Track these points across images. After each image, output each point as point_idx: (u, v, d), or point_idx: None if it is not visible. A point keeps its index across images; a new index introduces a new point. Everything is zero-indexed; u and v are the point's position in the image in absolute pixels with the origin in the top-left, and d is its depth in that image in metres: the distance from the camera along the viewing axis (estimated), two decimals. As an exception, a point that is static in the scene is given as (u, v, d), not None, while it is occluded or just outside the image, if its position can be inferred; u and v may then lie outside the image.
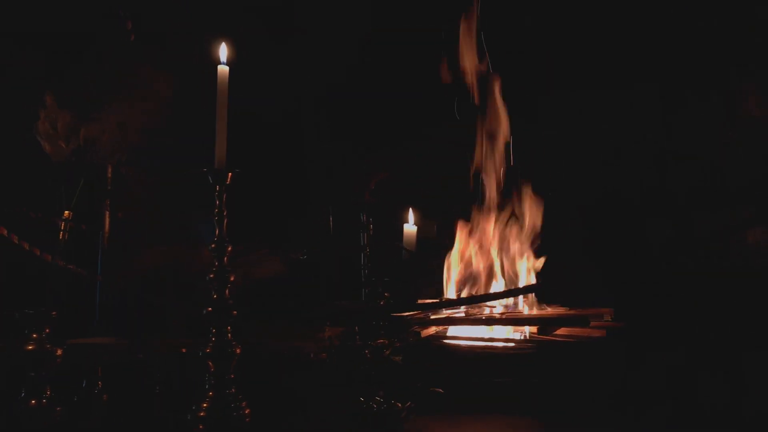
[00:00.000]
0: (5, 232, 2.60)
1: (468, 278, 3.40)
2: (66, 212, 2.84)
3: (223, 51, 2.19)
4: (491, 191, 3.47)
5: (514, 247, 3.36)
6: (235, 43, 2.21)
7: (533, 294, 3.19)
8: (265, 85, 3.42)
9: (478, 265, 3.38)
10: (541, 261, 3.31)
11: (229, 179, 2.16)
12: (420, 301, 3.14)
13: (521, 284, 3.31)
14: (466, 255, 3.40)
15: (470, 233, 3.44)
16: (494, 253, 3.38)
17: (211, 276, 2.15)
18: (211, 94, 2.16)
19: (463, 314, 3.06)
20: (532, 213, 3.37)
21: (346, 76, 3.77)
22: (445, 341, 2.86)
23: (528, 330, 2.95)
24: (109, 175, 3.41)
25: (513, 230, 3.39)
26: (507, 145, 3.46)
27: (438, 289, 3.41)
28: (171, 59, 3.33)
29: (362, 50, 3.76)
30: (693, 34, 3.51)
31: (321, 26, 3.72)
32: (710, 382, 2.59)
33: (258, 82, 2.85)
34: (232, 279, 2.16)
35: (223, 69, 2.18)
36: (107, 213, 3.36)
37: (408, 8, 3.69)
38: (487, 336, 2.90)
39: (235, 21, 3.36)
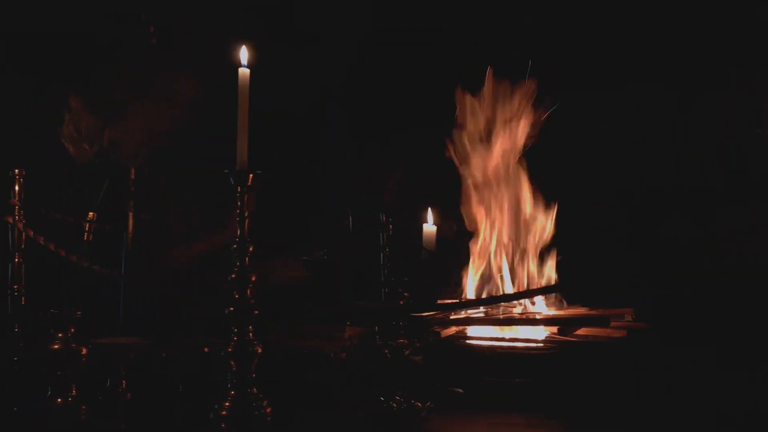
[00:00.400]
0: (31, 233, 2.65)
1: (487, 278, 3.40)
2: (90, 213, 2.88)
3: (244, 54, 2.20)
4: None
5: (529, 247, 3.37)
6: (248, 46, 2.23)
7: (554, 294, 3.19)
8: (272, 86, 3.44)
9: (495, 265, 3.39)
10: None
11: (250, 180, 2.17)
12: (439, 301, 3.15)
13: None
14: (485, 254, 3.41)
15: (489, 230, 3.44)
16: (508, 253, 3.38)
17: (233, 276, 2.17)
18: (230, 96, 2.18)
19: (482, 314, 3.07)
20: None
21: (357, 77, 3.78)
22: (465, 341, 2.86)
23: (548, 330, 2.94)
24: (132, 177, 3.45)
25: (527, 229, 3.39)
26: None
27: (458, 288, 3.42)
28: (192, 62, 3.35)
29: (374, 51, 3.77)
30: (694, 34, 3.50)
31: (329, 29, 3.72)
32: (735, 382, 2.58)
33: (267, 83, 2.86)
34: (253, 279, 2.17)
35: (243, 72, 2.19)
36: (131, 214, 3.40)
37: (411, 8, 3.70)
38: (506, 336, 2.89)
39: (247, 24, 3.37)
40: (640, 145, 3.62)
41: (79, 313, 2.42)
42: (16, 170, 2.74)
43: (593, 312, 3.12)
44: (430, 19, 3.65)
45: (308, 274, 3.46)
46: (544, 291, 3.16)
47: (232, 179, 2.17)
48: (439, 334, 2.83)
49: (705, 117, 3.57)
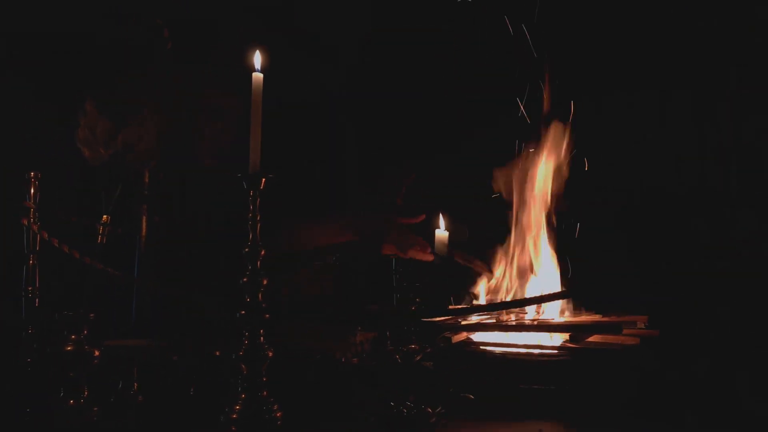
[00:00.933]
0: (46, 235, 2.67)
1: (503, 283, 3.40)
2: (104, 216, 2.90)
3: (257, 59, 2.22)
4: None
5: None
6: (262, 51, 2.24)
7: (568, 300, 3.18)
8: (272, 86, 3.44)
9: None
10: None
11: (263, 184, 2.18)
12: (451, 307, 3.14)
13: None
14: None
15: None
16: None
17: (244, 279, 2.17)
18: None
19: (494, 320, 3.06)
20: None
21: (358, 77, 3.77)
22: (476, 347, 2.86)
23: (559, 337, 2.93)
24: (146, 180, 3.46)
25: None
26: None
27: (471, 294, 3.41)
28: (193, 63, 3.36)
29: (374, 51, 3.77)
30: (694, 34, 3.49)
31: (329, 29, 3.72)
32: (749, 388, 2.57)
33: (266, 83, 2.88)
34: (265, 283, 2.18)
35: (257, 76, 2.21)
36: (144, 217, 3.41)
37: (411, 8, 3.69)
38: (518, 342, 2.88)
39: (247, 24, 3.37)
40: (640, 145, 3.61)
41: (92, 315, 2.44)
42: (32, 173, 2.76)
43: (606, 319, 3.11)
44: (430, 19, 3.65)
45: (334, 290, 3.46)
46: (557, 297, 3.15)
47: (245, 183, 2.18)
48: (449, 339, 2.83)
49: (705, 118, 3.55)
